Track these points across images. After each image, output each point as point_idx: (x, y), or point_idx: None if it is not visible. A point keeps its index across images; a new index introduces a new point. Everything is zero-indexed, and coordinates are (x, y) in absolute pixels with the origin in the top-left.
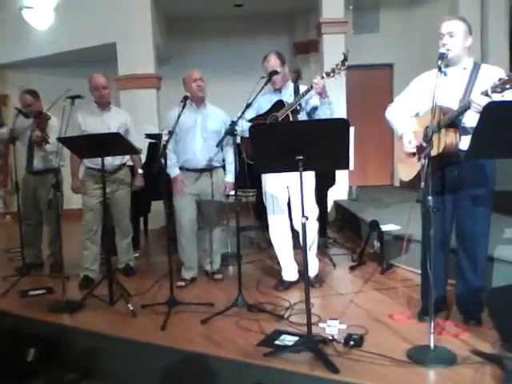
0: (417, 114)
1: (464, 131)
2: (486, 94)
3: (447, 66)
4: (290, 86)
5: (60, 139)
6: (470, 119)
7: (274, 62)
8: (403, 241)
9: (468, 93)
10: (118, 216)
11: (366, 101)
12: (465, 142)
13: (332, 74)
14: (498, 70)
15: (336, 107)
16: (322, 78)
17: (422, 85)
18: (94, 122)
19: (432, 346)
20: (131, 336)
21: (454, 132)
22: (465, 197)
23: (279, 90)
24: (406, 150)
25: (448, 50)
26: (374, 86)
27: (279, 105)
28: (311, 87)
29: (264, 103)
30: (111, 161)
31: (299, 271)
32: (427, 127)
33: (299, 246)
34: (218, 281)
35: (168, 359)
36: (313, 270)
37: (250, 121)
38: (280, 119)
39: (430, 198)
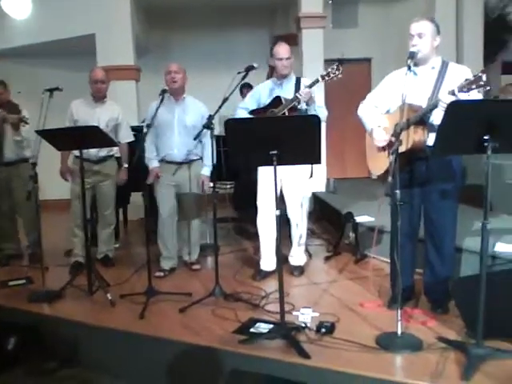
0: (388, 111)
1: (432, 128)
2: (452, 93)
3: (416, 65)
4: (293, 79)
5: (38, 132)
6: (438, 117)
7: (285, 49)
8: (373, 234)
9: (436, 91)
10: (101, 206)
11: (344, 94)
12: (432, 139)
13: (327, 78)
14: (465, 69)
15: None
16: (318, 81)
17: (392, 82)
18: (85, 114)
19: (399, 332)
20: (110, 325)
21: (422, 129)
22: (432, 191)
23: (281, 82)
24: (376, 145)
25: (418, 50)
26: (352, 79)
27: (277, 101)
28: (297, 97)
29: (264, 94)
30: (96, 151)
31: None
32: (397, 124)
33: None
34: (196, 271)
35: (146, 347)
36: (299, 260)
37: (250, 113)
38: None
39: (397, 191)
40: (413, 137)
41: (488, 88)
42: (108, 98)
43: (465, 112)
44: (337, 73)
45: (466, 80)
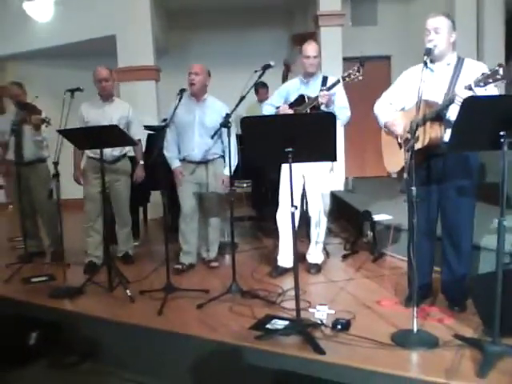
0: (403, 109)
1: (449, 124)
2: (469, 88)
3: (432, 61)
4: (319, 78)
5: (60, 131)
6: (455, 113)
7: (313, 47)
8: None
9: (452, 87)
10: (117, 206)
11: (363, 92)
12: (449, 135)
13: (348, 79)
14: (481, 65)
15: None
16: (339, 81)
17: (408, 79)
18: (95, 114)
19: (415, 329)
20: (129, 320)
21: (438, 125)
22: (449, 188)
23: (307, 80)
24: (396, 131)
25: (434, 46)
26: (371, 77)
27: (300, 100)
28: (316, 98)
29: (292, 91)
30: (110, 151)
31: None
32: (413, 121)
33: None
34: (214, 268)
35: (164, 343)
36: (316, 258)
37: (277, 109)
38: None
39: (413, 188)
40: (429, 133)
41: (505, 81)
42: (116, 96)
43: (481, 107)
44: (357, 74)
45: (483, 74)
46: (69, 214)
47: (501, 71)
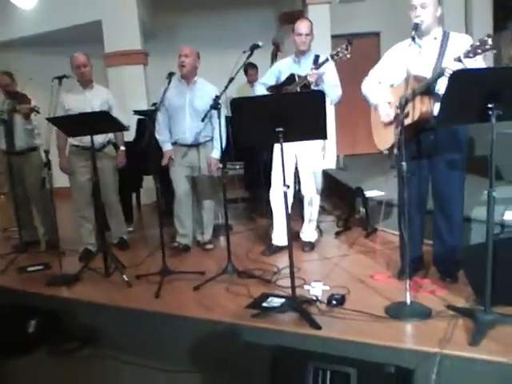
0: (391, 85)
1: (438, 98)
2: (458, 59)
3: (419, 36)
4: (311, 56)
5: (49, 119)
6: (444, 86)
7: (305, 25)
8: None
9: (440, 61)
10: (105, 192)
11: (353, 70)
12: (437, 109)
13: (336, 57)
14: (466, 37)
15: None
16: (327, 60)
17: (395, 56)
18: (76, 101)
19: (408, 301)
20: (127, 304)
21: (428, 99)
22: (439, 161)
23: (299, 59)
24: (383, 120)
25: (421, 21)
26: (360, 54)
27: (291, 78)
28: (305, 77)
29: (283, 70)
30: (96, 138)
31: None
32: (402, 96)
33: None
34: (210, 251)
35: (162, 325)
36: (310, 236)
37: (268, 89)
38: None
39: (403, 163)
40: (420, 107)
41: (494, 51)
42: (95, 82)
43: (468, 80)
44: (345, 52)
45: (472, 45)
46: (62, 202)
47: (489, 41)
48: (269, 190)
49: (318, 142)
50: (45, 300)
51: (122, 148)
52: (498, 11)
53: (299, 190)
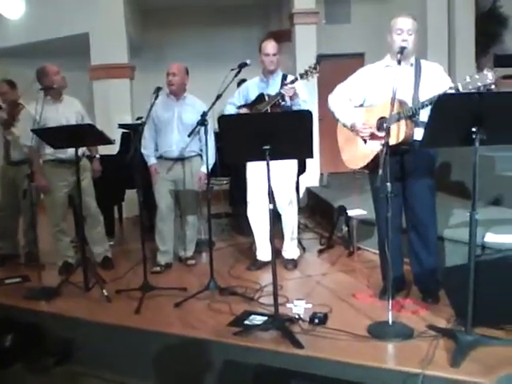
0: (361, 105)
1: (418, 122)
2: (456, 90)
3: (399, 62)
4: (279, 76)
5: (34, 131)
6: (425, 113)
7: (272, 45)
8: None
9: (417, 88)
10: (85, 204)
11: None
12: (418, 133)
13: (305, 77)
14: (436, 65)
15: (309, 95)
16: (296, 79)
17: (367, 77)
18: (50, 114)
19: (390, 321)
20: (106, 320)
21: (411, 123)
22: (414, 182)
23: (267, 79)
24: (362, 136)
25: (407, 46)
26: (345, 74)
27: (260, 98)
28: (280, 93)
29: (252, 90)
30: (69, 151)
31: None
32: (381, 118)
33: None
34: (192, 266)
35: (142, 341)
36: (292, 253)
37: (238, 108)
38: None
39: (388, 184)
40: (403, 130)
41: (493, 87)
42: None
43: (453, 104)
44: (314, 71)
45: (471, 77)
46: (43, 214)
47: (490, 75)
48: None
49: (293, 162)
50: (23, 313)
51: (97, 156)
52: (481, 37)
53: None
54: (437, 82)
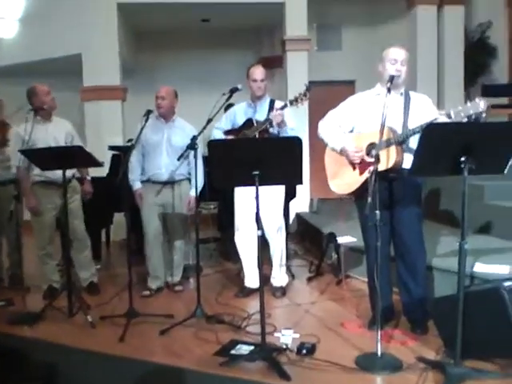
0: (351, 131)
1: (407, 150)
2: (448, 116)
3: (389, 90)
4: (266, 101)
5: (23, 151)
6: (414, 139)
7: (261, 71)
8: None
9: (406, 117)
10: (73, 227)
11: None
12: (407, 160)
13: (295, 103)
14: (424, 96)
15: (298, 122)
16: (286, 105)
17: (357, 104)
18: (39, 134)
19: (379, 353)
20: (90, 347)
21: (401, 150)
22: (402, 211)
23: (255, 104)
24: (353, 160)
25: (399, 76)
26: (336, 101)
27: (248, 123)
28: (269, 119)
29: (239, 115)
30: (59, 173)
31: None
32: (371, 144)
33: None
34: (179, 292)
35: (126, 370)
36: (281, 280)
37: (225, 133)
38: None
39: (377, 212)
40: (394, 156)
41: (484, 115)
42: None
43: (442, 134)
44: (304, 98)
45: (464, 105)
46: (28, 236)
47: (482, 104)
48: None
49: (281, 188)
50: (5, 338)
51: (88, 178)
52: (469, 67)
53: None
54: (425, 112)
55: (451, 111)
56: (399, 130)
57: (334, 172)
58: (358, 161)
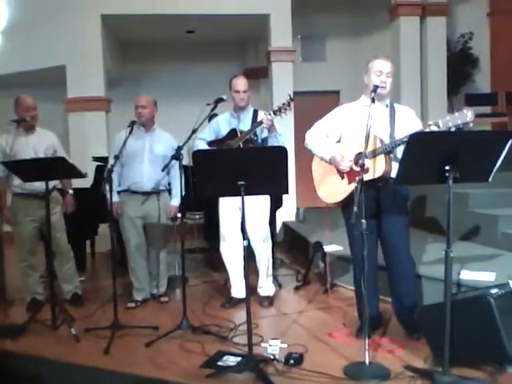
0: (338, 141)
1: (395, 159)
2: (437, 126)
3: (373, 100)
4: (250, 111)
5: (4, 163)
6: (399, 150)
7: (243, 82)
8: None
9: (393, 127)
10: (55, 240)
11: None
12: (395, 170)
13: (278, 113)
14: (407, 108)
15: (284, 132)
16: (270, 115)
17: (344, 115)
18: (19, 146)
19: (367, 362)
20: (74, 360)
21: (389, 159)
22: (390, 219)
23: (238, 114)
24: (343, 169)
25: (383, 87)
26: (321, 111)
27: (232, 133)
28: (261, 122)
29: (223, 125)
30: (39, 185)
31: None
32: (359, 153)
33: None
34: (164, 304)
35: (110, 383)
36: (268, 290)
37: (209, 143)
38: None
39: (363, 221)
40: (381, 165)
41: (471, 125)
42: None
43: (426, 143)
44: (287, 108)
45: (452, 114)
46: (10, 247)
47: (469, 114)
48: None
49: (266, 198)
50: None
51: (70, 191)
52: (452, 76)
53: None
54: (409, 124)
55: (439, 121)
56: (386, 140)
57: (322, 180)
58: (347, 170)
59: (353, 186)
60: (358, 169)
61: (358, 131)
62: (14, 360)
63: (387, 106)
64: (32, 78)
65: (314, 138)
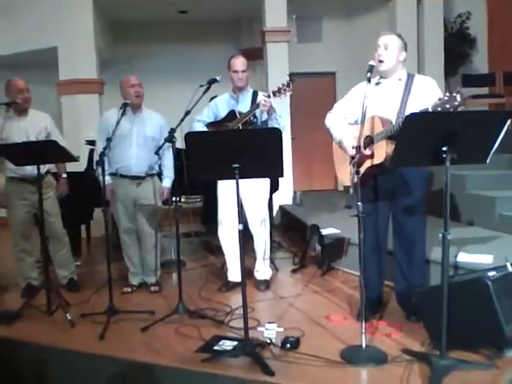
0: (356, 121)
1: None
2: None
3: (382, 77)
4: (249, 93)
5: None
6: None
7: (241, 61)
8: (343, 245)
9: (404, 104)
10: (49, 224)
11: (309, 107)
12: None
13: (278, 94)
14: (430, 81)
15: (282, 113)
16: (269, 96)
17: (359, 95)
18: (11, 130)
19: (364, 345)
20: (69, 346)
21: (392, 143)
22: (401, 202)
23: (237, 95)
24: (350, 153)
25: (381, 61)
26: (317, 93)
27: (231, 115)
28: (259, 105)
29: (221, 107)
30: (32, 169)
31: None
32: (367, 136)
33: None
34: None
35: (106, 368)
36: (265, 274)
37: (207, 125)
38: None
39: (359, 203)
40: (385, 149)
41: (463, 107)
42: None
43: (422, 124)
44: (287, 89)
45: (440, 99)
46: (6, 233)
47: (458, 97)
48: None
49: (265, 181)
50: None
51: (64, 175)
52: (449, 57)
53: (247, 227)
54: (426, 95)
55: (429, 107)
56: (393, 119)
57: (339, 161)
58: (353, 153)
59: (362, 169)
60: (366, 152)
61: (370, 112)
62: (7, 346)
63: (400, 79)
64: (24, 60)
65: (332, 119)
